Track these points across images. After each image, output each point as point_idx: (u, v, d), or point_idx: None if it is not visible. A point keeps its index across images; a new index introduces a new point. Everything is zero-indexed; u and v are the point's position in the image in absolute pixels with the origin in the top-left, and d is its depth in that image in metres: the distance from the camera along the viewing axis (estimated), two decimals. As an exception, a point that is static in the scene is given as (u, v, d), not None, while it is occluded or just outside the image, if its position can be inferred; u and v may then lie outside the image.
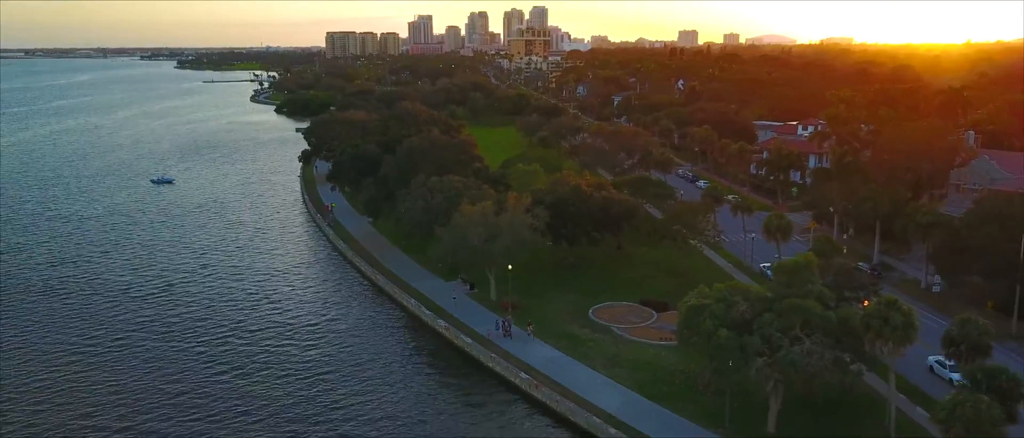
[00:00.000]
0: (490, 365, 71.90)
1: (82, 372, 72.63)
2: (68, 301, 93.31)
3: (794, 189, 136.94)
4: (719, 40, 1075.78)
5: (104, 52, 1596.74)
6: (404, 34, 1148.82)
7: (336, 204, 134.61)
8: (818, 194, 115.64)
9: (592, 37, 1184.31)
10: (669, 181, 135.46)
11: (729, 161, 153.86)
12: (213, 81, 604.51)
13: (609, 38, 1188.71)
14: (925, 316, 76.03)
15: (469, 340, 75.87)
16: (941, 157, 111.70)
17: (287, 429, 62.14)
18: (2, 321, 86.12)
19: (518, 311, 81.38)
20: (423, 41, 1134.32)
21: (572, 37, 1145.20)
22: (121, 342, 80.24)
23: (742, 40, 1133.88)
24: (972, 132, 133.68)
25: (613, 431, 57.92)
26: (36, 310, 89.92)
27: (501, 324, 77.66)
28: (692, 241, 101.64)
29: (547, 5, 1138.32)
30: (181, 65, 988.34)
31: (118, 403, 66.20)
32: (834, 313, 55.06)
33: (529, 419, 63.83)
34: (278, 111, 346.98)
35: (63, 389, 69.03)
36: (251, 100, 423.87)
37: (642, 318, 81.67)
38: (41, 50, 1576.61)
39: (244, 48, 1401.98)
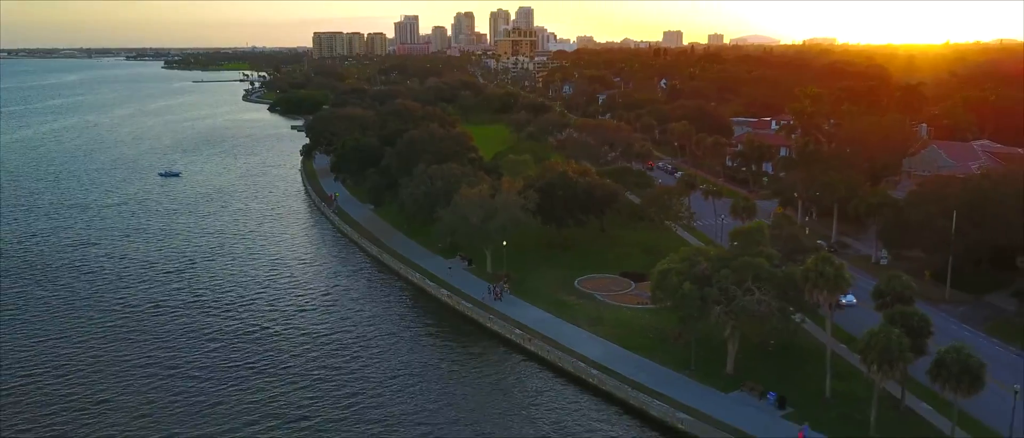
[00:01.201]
0: (488, 325, 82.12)
1: (126, 335, 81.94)
2: (103, 276, 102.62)
3: (765, 179, 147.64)
4: (704, 40, 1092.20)
5: (89, 52, 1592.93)
6: (390, 34, 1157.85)
7: (339, 194, 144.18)
8: (784, 182, 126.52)
9: (578, 37, 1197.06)
10: (649, 173, 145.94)
11: (705, 154, 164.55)
12: (203, 81, 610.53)
13: (594, 38, 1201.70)
14: (871, 284, 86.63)
15: (469, 304, 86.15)
16: (895, 147, 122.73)
17: (314, 375, 71.84)
18: (47, 293, 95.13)
19: (512, 282, 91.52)
20: (409, 41, 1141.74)
21: (558, 37, 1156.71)
22: (158, 309, 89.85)
23: (726, 40, 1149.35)
24: (924, 125, 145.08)
25: (595, 373, 68.17)
26: (76, 284, 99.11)
27: (492, 289, 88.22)
28: (667, 223, 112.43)
29: (533, 5, 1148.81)
30: (168, 65, 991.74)
31: (165, 355, 75.69)
32: (780, 270, 65.47)
33: (523, 365, 73.93)
34: (271, 110, 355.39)
35: (112, 346, 78.35)
36: (243, 99, 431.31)
37: (622, 287, 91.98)
38: (24, 50, 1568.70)
39: (229, 48, 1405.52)
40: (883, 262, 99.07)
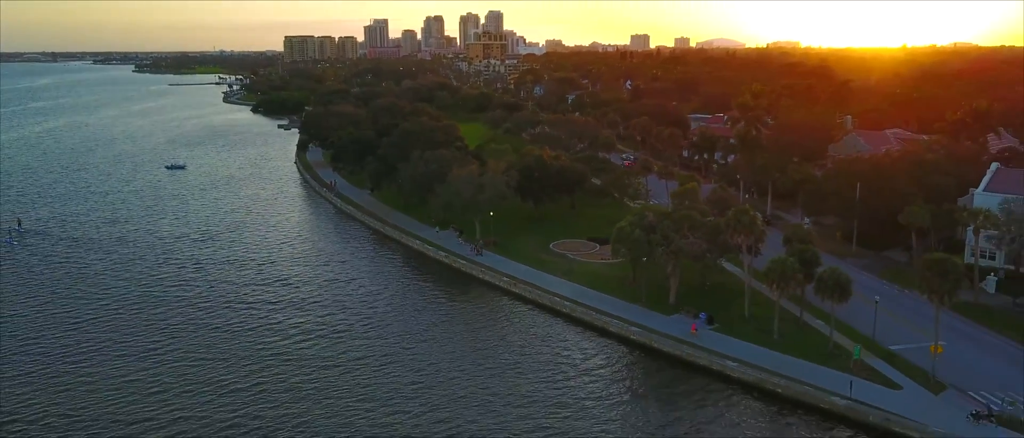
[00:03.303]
0: (480, 276, 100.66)
1: (178, 286, 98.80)
2: (141, 245, 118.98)
3: (715, 166, 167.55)
4: (671, 43, 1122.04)
5: (54, 56, 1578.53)
6: (360, 38, 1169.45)
7: (336, 181, 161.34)
8: (729, 166, 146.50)
9: (547, 41, 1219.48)
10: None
11: (663, 145, 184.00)
12: (179, 84, 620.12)
13: (563, 42, 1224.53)
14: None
15: (464, 261, 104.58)
16: (821, 136, 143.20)
17: (339, 309, 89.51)
18: (99, 258, 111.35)
19: (496, 247, 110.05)
20: (379, 45, 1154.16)
21: (527, 41, 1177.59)
22: (199, 265, 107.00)
23: (693, 43, 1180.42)
24: (849, 117, 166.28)
25: (568, 304, 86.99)
26: (120, 250, 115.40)
27: (473, 247, 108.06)
28: (626, 200, 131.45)
29: (502, 9, 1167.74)
30: (139, 68, 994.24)
31: (216, 295, 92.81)
32: (709, 220, 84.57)
33: (509, 303, 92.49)
34: (254, 110, 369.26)
35: (168, 294, 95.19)
36: (224, 101, 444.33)
37: (589, 249, 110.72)
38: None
39: (197, 52, 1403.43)
40: (807, 227, 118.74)
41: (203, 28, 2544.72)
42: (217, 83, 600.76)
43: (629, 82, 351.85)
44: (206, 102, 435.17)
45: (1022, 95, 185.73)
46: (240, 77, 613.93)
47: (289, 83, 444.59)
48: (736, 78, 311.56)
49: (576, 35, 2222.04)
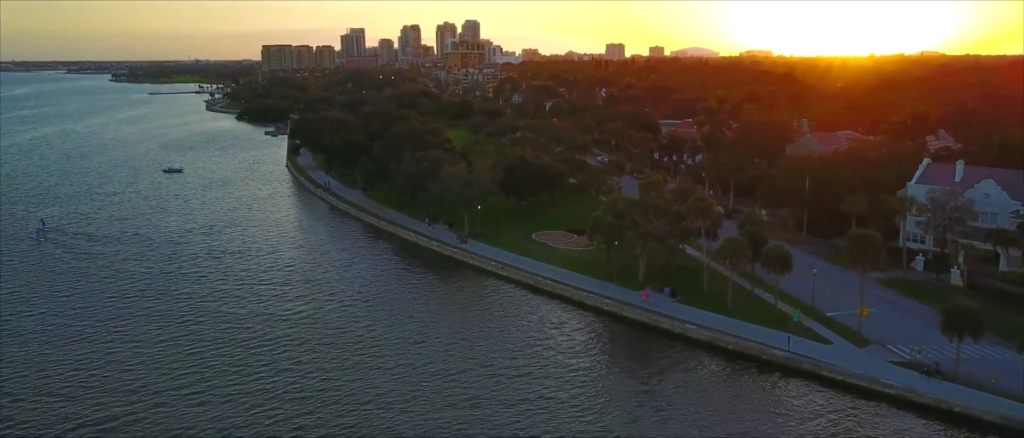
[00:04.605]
0: (471, 262, 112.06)
1: (197, 273, 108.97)
2: (154, 238, 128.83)
3: (683, 166, 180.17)
4: (645, 52, 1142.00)
5: (27, 66, 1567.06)
6: (337, 47, 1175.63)
7: (329, 182, 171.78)
8: (695, 166, 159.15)
9: (523, 50, 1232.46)
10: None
11: (635, 148, 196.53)
12: (159, 93, 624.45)
13: (540, 51, 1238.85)
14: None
15: (455, 249, 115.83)
16: (779, 137, 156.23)
17: (344, 290, 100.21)
18: (116, 249, 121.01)
19: (483, 238, 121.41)
20: (356, 54, 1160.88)
21: (504, 50, 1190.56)
22: (209, 255, 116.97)
23: (667, 52, 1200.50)
24: (806, 119, 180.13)
25: (549, 282, 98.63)
26: (133, 245, 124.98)
27: (458, 236, 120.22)
28: (601, 197, 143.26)
29: (478, 18, 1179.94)
30: (116, 78, 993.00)
31: (225, 288, 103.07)
32: (672, 207, 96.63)
33: (497, 283, 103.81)
34: (239, 118, 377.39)
35: (184, 282, 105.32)
36: (207, 109, 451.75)
37: (568, 239, 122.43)
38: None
39: (172, 61, 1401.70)
40: (764, 218, 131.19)
41: (177, 37, 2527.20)
42: (197, 92, 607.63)
43: (604, 90, 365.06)
44: (189, 110, 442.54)
45: (966, 100, 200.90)
46: (221, 86, 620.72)
47: (272, 92, 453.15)
48: (707, 85, 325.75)
49: (552, 44, 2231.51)
